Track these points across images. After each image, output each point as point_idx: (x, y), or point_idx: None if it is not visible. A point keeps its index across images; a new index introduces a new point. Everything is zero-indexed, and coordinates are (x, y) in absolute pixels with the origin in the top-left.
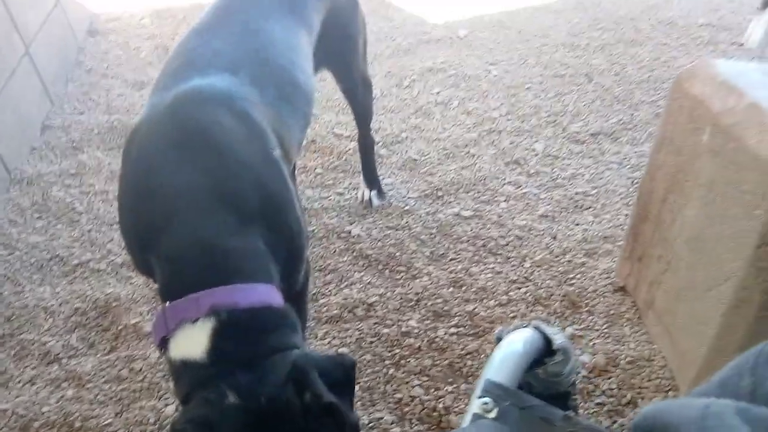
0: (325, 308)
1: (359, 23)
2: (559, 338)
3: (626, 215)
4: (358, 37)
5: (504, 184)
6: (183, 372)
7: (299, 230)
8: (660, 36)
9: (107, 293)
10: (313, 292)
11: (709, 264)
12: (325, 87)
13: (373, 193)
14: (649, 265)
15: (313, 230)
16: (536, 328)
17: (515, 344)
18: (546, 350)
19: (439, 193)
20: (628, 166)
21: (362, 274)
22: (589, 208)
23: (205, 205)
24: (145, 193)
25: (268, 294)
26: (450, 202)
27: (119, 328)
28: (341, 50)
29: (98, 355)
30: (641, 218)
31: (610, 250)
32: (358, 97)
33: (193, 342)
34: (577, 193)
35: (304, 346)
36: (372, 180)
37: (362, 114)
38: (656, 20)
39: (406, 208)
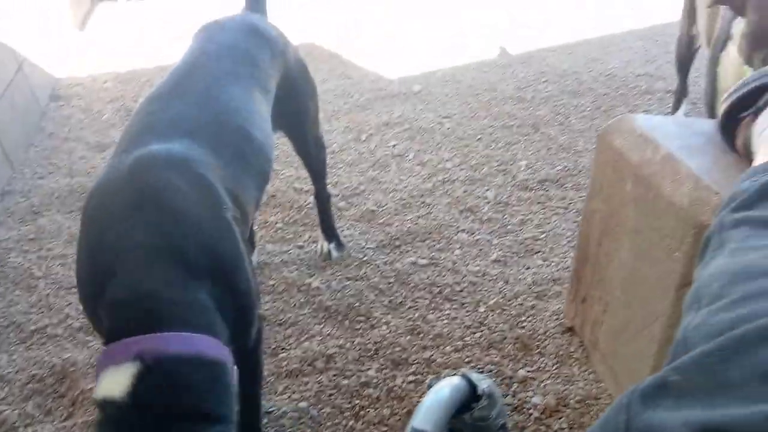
0: (285, 362)
1: (309, 88)
2: (484, 384)
3: (572, 258)
4: (308, 101)
5: (458, 231)
6: (102, 412)
7: (248, 289)
8: (600, 87)
9: (64, 358)
10: (273, 346)
11: (641, 304)
12: (285, 144)
13: (332, 245)
14: (591, 306)
15: (273, 284)
16: (463, 375)
17: (441, 392)
18: (472, 396)
19: (397, 243)
20: (573, 211)
21: (322, 326)
22: (539, 252)
23: (151, 259)
24: (97, 247)
25: (205, 345)
26: (407, 251)
27: (76, 393)
28: (293, 113)
29: (55, 423)
30: (582, 261)
31: (558, 292)
32: (312, 157)
33: (115, 384)
34: (526, 238)
35: (232, 415)
36: (330, 233)
37: (317, 171)
38: (597, 72)
39: (365, 258)
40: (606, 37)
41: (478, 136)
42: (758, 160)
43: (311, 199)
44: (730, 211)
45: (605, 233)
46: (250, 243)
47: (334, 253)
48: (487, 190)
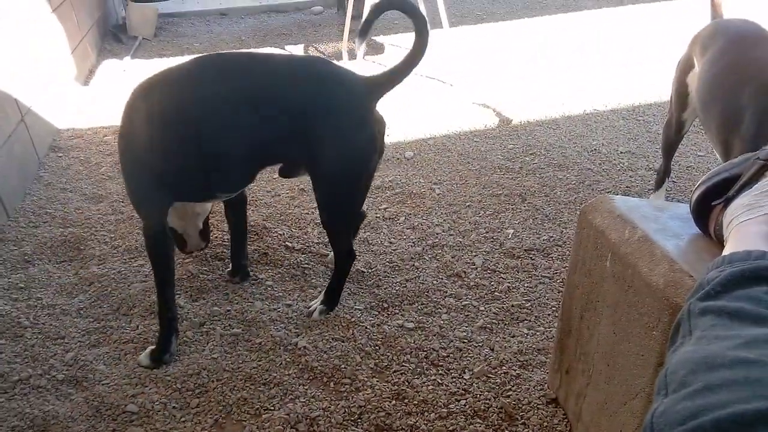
0: (267, 423)
1: None
2: None
3: (556, 329)
4: None
5: (446, 296)
6: None
7: None
8: (585, 161)
9: (46, 411)
10: (257, 407)
11: (623, 379)
12: (279, 202)
13: (321, 306)
14: (575, 378)
15: (260, 342)
16: None
17: None
18: None
19: (385, 305)
20: (558, 281)
21: (307, 387)
22: (524, 320)
23: None
24: None
25: None
26: (395, 314)
27: None
28: None
29: None
30: (565, 333)
31: (543, 361)
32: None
33: None
34: (513, 306)
35: None
36: (332, 297)
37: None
38: (581, 147)
39: (353, 319)
40: (590, 114)
41: (468, 203)
42: (726, 250)
43: (302, 257)
44: (698, 299)
45: (587, 307)
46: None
47: (315, 315)
48: (475, 256)
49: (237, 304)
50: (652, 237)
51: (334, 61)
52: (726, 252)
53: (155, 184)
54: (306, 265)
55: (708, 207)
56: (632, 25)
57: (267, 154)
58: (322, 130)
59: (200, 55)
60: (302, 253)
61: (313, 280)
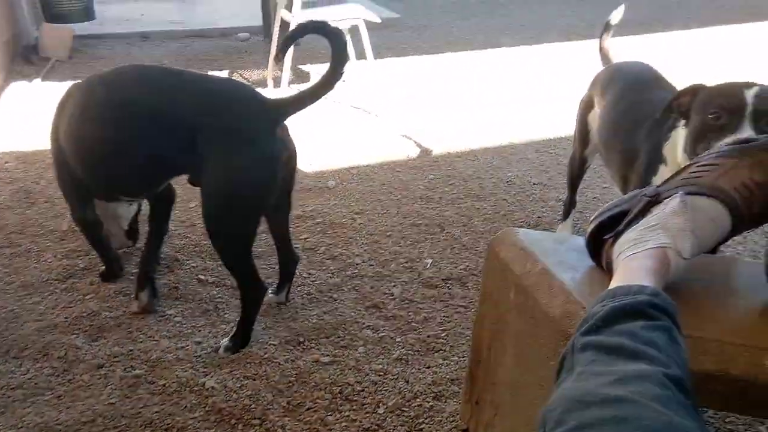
0: None
1: None
2: None
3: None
4: None
5: (363, 328)
6: None
7: None
8: (501, 192)
9: None
10: None
11: (526, 410)
12: (193, 232)
13: (228, 343)
14: (484, 409)
15: (164, 384)
16: None
17: None
18: None
19: (300, 339)
20: (473, 310)
21: (213, 431)
22: (440, 350)
23: None
24: None
25: None
26: (310, 348)
27: None
28: None
29: None
30: (475, 363)
31: (456, 392)
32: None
33: None
34: (429, 336)
35: None
36: (242, 333)
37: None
38: (497, 179)
39: (266, 355)
40: (506, 147)
41: (388, 233)
42: (611, 284)
43: (216, 290)
44: (581, 333)
45: (494, 338)
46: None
47: (221, 352)
48: (394, 286)
49: (141, 342)
50: (550, 269)
51: (259, 89)
52: (611, 286)
53: (71, 176)
54: (219, 299)
55: (601, 240)
56: (545, 63)
57: (164, 165)
58: (210, 146)
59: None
60: (216, 287)
61: (226, 315)
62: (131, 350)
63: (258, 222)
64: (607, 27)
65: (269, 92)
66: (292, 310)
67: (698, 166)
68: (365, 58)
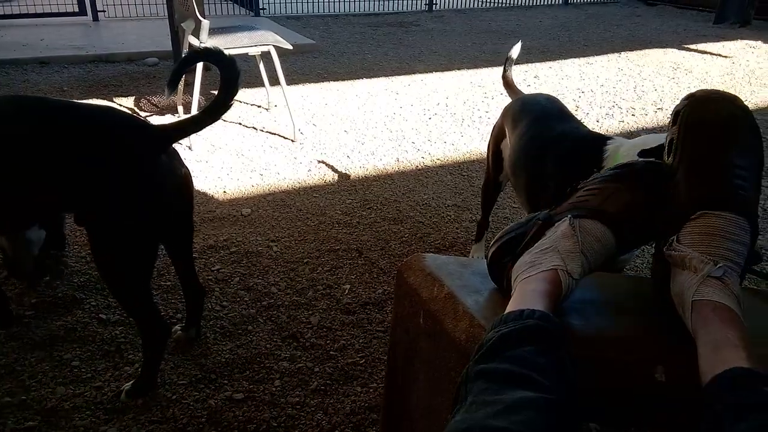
0: None
1: None
2: None
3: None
4: None
5: (280, 360)
6: None
7: None
8: (417, 215)
9: None
10: None
11: None
12: (95, 269)
13: (129, 388)
14: None
15: None
16: None
17: None
18: None
19: (212, 376)
20: None
21: None
22: (358, 378)
23: None
24: None
25: None
26: (223, 385)
27: None
28: None
29: None
30: (391, 390)
31: (375, 420)
32: None
33: None
34: (347, 364)
35: None
36: (146, 377)
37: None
38: (414, 201)
39: (174, 397)
40: (422, 170)
41: (305, 260)
42: (507, 308)
43: (119, 330)
44: (475, 361)
45: (407, 364)
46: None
47: (123, 397)
48: (312, 314)
49: (35, 391)
50: (456, 293)
51: (169, 116)
52: (507, 310)
53: None
54: (122, 340)
55: (501, 264)
56: (457, 88)
57: (42, 199)
58: (88, 177)
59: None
60: (119, 326)
61: (130, 356)
62: (23, 400)
63: (151, 254)
64: (508, 61)
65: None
66: (203, 346)
67: (585, 191)
68: (278, 84)
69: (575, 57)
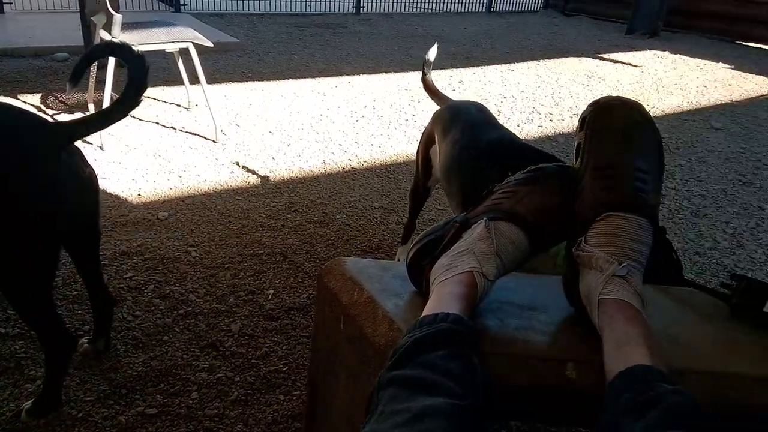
0: None
1: None
2: None
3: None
4: None
5: (197, 371)
6: None
7: None
8: (343, 218)
9: None
10: None
11: None
12: None
13: (30, 406)
14: None
15: None
16: None
17: None
18: None
19: (123, 392)
20: None
21: None
22: (281, 386)
23: None
24: None
25: None
26: (134, 400)
27: None
28: None
29: None
30: (313, 398)
31: (298, 428)
32: None
33: None
34: (270, 372)
35: None
36: (49, 393)
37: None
38: (340, 204)
39: (80, 415)
40: (349, 172)
41: (227, 265)
42: (424, 312)
43: (19, 344)
44: (387, 368)
45: (328, 371)
46: None
47: (23, 417)
48: (233, 322)
49: None
50: (375, 297)
51: (79, 114)
52: (423, 313)
53: None
54: (23, 355)
55: (420, 266)
56: (384, 91)
57: None
58: None
59: None
60: (19, 340)
61: (32, 372)
62: None
63: (52, 261)
64: (426, 63)
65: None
66: (112, 360)
67: (500, 193)
68: (199, 82)
69: (497, 63)
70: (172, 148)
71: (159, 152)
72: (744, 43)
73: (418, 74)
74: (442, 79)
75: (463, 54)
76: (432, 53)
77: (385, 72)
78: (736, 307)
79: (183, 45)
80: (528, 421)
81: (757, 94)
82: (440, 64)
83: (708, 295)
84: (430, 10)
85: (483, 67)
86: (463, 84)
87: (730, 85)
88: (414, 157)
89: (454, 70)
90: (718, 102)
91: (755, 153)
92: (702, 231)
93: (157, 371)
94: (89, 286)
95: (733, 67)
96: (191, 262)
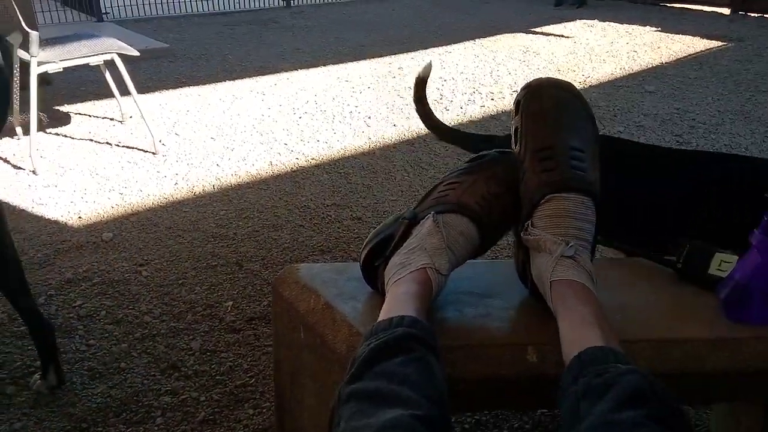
0: None
1: None
2: None
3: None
4: None
5: (160, 395)
6: None
7: None
8: (296, 219)
9: None
10: None
11: None
12: None
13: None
14: None
15: None
16: None
17: None
18: None
19: (84, 426)
20: None
21: None
22: (250, 400)
23: None
24: None
25: None
26: None
27: None
28: None
29: None
30: (280, 411)
31: None
32: None
33: None
34: (236, 387)
35: None
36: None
37: None
38: (292, 205)
39: None
40: (297, 172)
41: (181, 281)
42: (379, 316)
43: None
44: (346, 382)
45: (293, 381)
46: None
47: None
48: (192, 339)
49: None
50: (332, 303)
51: (6, 138)
52: (379, 317)
53: None
54: None
55: (374, 267)
56: (325, 84)
57: None
58: None
59: None
60: None
61: None
62: None
63: None
64: (419, 84)
65: (20, 140)
66: (69, 394)
67: (445, 185)
68: (129, 94)
69: (434, 46)
70: (110, 164)
71: (96, 170)
72: (668, 5)
73: (357, 64)
74: (381, 66)
75: (399, 39)
76: (425, 70)
77: (324, 65)
78: (681, 272)
79: (107, 57)
80: (493, 409)
81: (685, 54)
82: (378, 51)
83: (655, 262)
84: None
85: (420, 51)
86: (403, 70)
87: (658, 48)
88: (362, 149)
89: (392, 56)
90: (649, 66)
91: (689, 113)
92: None
93: (118, 400)
94: (22, 315)
95: (660, 29)
96: (143, 282)
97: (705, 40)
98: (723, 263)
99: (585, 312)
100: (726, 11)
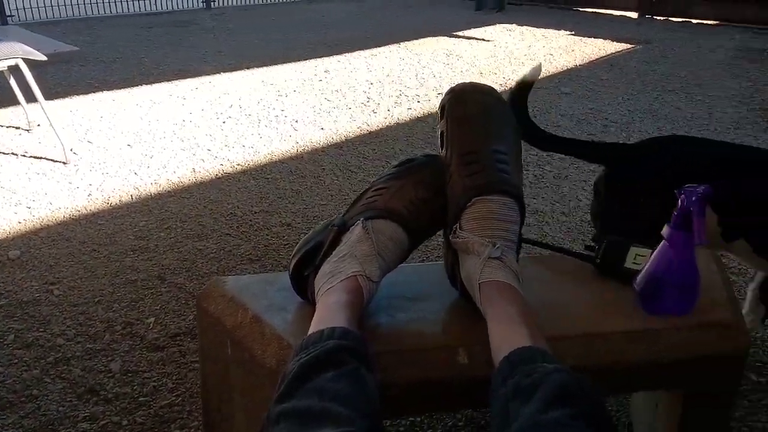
0: None
1: None
2: None
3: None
4: None
5: (78, 422)
6: None
7: None
8: (222, 227)
9: None
10: None
11: None
12: None
13: None
14: None
15: None
16: None
17: None
18: None
19: None
20: None
21: None
22: (176, 419)
23: None
24: None
25: None
26: None
27: None
28: None
29: None
30: (209, 428)
31: None
32: None
33: None
34: (161, 408)
35: None
36: None
37: None
38: (217, 213)
39: None
40: (222, 178)
41: (97, 299)
42: (310, 329)
43: None
44: (275, 400)
45: (221, 398)
46: None
47: None
48: (111, 360)
49: None
50: (261, 316)
51: None
52: (310, 330)
53: None
54: None
55: (303, 276)
56: (249, 88)
57: None
58: None
59: None
60: None
61: None
62: None
63: None
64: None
65: None
66: None
67: (373, 191)
68: (36, 100)
69: (360, 50)
70: (16, 176)
71: (1, 183)
72: (581, 9)
73: (282, 67)
74: (307, 69)
75: (325, 43)
76: (534, 72)
77: (248, 68)
78: (600, 267)
79: (11, 62)
80: (427, 412)
81: (597, 57)
82: (303, 54)
83: (576, 258)
84: (283, 0)
85: (347, 54)
86: (330, 73)
87: (573, 51)
88: (290, 153)
89: (318, 59)
90: (565, 68)
91: (602, 112)
92: (565, 192)
93: (31, 430)
94: None
95: (573, 33)
96: (54, 301)
97: (615, 43)
98: (638, 257)
99: (512, 312)
100: (634, 15)
